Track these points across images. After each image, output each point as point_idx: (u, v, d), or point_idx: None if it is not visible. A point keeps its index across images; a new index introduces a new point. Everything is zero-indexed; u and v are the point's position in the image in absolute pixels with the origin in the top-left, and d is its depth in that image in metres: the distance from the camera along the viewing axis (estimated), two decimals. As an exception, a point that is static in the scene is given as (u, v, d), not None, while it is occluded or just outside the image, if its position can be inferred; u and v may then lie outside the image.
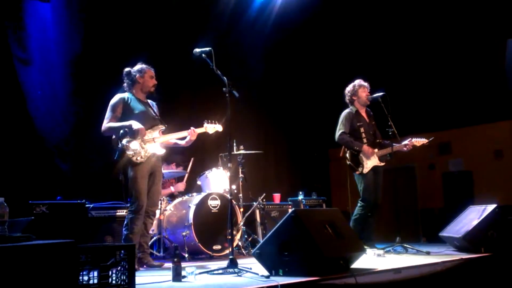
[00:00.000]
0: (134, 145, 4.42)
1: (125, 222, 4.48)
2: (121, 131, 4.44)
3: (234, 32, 7.86)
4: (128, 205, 4.55)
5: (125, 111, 4.57)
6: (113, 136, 4.53)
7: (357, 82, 5.80)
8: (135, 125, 4.42)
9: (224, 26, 7.67)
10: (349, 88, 5.83)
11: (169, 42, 7.01)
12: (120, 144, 4.41)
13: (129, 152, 4.38)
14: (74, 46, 6.17)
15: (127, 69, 4.73)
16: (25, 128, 5.55)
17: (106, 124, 4.52)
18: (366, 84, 5.79)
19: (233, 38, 7.83)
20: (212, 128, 5.00)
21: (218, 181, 5.97)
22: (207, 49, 4.29)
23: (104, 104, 4.66)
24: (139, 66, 4.75)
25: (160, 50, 6.78)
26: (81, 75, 6.22)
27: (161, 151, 4.66)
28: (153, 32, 6.86)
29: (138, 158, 4.42)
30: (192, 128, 4.83)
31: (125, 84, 4.74)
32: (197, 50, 4.34)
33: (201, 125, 4.95)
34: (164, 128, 4.73)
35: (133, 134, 4.42)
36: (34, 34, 5.77)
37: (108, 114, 4.56)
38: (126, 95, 4.67)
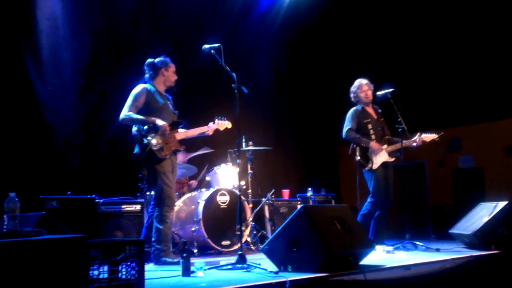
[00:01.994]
0: (160, 141, 4.41)
1: (159, 218, 4.42)
2: (145, 127, 4.41)
3: (242, 28, 7.85)
4: (140, 199, 4.52)
5: (147, 103, 4.51)
6: (135, 130, 4.47)
7: (357, 82, 5.76)
8: (160, 122, 4.41)
9: (233, 22, 7.66)
10: (352, 88, 5.82)
11: (178, 37, 7.01)
12: (145, 141, 4.37)
13: (155, 148, 4.37)
14: (84, 42, 6.19)
15: (150, 60, 4.67)
16: (35, 124, 5.58)
17: (127, 113, 4.44)
18: (365, 82, 5.73)
19: (242, 35, 7.81)
20: (223, 124, 4.98)
21: (227, 177, 5.98)
22: (216, 45, 4.29)
23: (113, 99, 4.67)
24: (163, 59, 4.68)
25: (169, 45, 6.78)
26: (90, 71, 6.25)
27: (181, 147, 4.67)
28: (163, 28, 6.87)
29: (164, 154, 4.42)
30: (211, 123, 4.84)
31: (147, 75, 4.67)
32: (206, 46, 4.34)
33: (212, 121, 4.92)
34: (182, 124, 4.73)
35: (157, 130, 4.41)
36: (45, 30, 5.80)
37: (129, 102, 4.48)
38: (148, 86, 4.60)
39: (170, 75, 4.69)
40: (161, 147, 4.42)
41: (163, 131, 4.41)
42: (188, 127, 4.85)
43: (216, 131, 4.97)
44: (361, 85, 5.72)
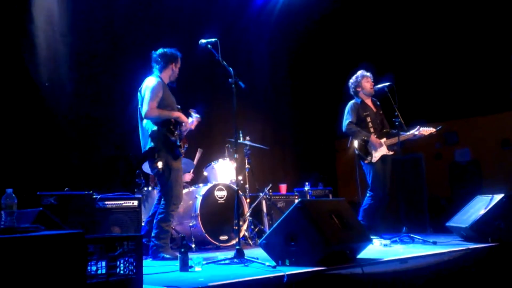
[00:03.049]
0: (178, 137, 4.38)
1: (164, 217, 4.40)
2: (169, 122, 4.36)
3: (239, 23, 7.82)
4: (138, 195, 4.45)
5: (164, 98, 4.42)
6: (153, 125, 4.36)
7: (360, 73, 5.77)
8: (183, 117, 4.39)
9: (230, 17, 7.63)
10: (352, 79, 5.81)
11: (175, 32, 6.98)
12: (171, 137, 4.30)
13: (178, 143, 4.34)
14: (80, 37, 6.16)
15: (162, 50, 4.54)
16: (32, 120, 5.56)
17: (155, 108, 4.31)
18: (369, 74, 5.75)
19: (239, 30, 7.79)
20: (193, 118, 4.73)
21: (224, 172, 5.98)
22: (213, 39, 4.28)
23: (111, 96, 4.64)
24: (175, 52, 4.59)
25: (166, 41, 6.75)
26: (87, 66, 6.22)
27: (186, 144, 4.63)
28: (158, 23, 6.84)
29: (181, 150, 4.41)
30: (194, 117, 4.68)
31: (156, 66, 4.55)
32: (203, 40, 4.33)
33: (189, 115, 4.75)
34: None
35: (180, 126, 4.39)
36: (41, 25, 5.76)
37: (152, 97, 4.32)
38: (160, 79, 4.50)
39: (176, 71, 4.64)
40: (180, 143, 4.40)
41: (186, 126, 4.40)
42: None
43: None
44: (365, 77, 5.71)
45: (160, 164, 4.32)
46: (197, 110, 4.78)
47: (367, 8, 8.56)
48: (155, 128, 4.36)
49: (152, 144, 4.37)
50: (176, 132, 4.37)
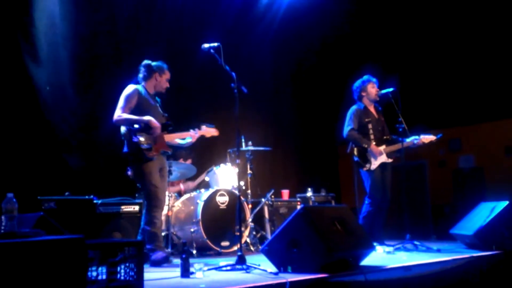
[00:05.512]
0: (149, 141, 4.41)
1: (147, 219, 4.44)
2: (137, 125, 4.40)
3: (242, 27, 7.82)
4: (138, 200, 4.52)
5: (139, 104, 4.52)
6: (123, 129, 4.47)
7: (366, 77, 5.74)
8: (153, 122, 4.41)
9: (232, 21, 7.62)
10: (357, 83, 5.77)
11: (177, 36, 6.98)
12: (135, 139, 4.36)
13: (144, 147, 4.37)
14: (82, 41, 6.16)
15: (147, 62, 4.67)
16: (33, 124, 5.55)
17: (120, 113, 4.43)
18: (374, 80, 5.72)
19: (241, 34, 7.78)
20: (208, 132, 4.97)
21: (226, 177, 5.95)
22: (216, 44, 4.28)
23: (112, 99, 4.65)
24: (160, 64, 4.71)
25: (168, 44, 6.76)
26: (89, 70, 6.22)
27: (169, 149, 4.67)
28: (162, 26, 6.84)
29: (152, 154, 4.41)
30: (197, 129, 4.87)
31: (140, 75, 4.68)
32: (205, 45, 4.33)
33: (198, 127, 4.93)
34: (172, 126, 4.71)
35: (149, 130, 4.41)
36: (42, 29, 5.76)
37: (122, 104, 4.47)
38: (139, 87, 4.62)
39: (162, 82, 4.72)
40: (150, 147, 4.41)
41: (155, 131, 4.41)
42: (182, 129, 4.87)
43: (201, 137, 4.97)
44: (371, 82, 5.68)
45: (131, 169, 4.50)
46: (212, 124, 4.95)
47: (372, 11, 8.53)
48: (126, 132, 4.45)
49: (127, 149, 4.45)
50: (140, 136, 4.36)
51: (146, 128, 4.42)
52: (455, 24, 7.99)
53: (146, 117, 4.43)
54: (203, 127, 4.93)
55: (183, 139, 4.92)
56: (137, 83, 4.68)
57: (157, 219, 4.48)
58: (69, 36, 6.02)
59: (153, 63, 4.69)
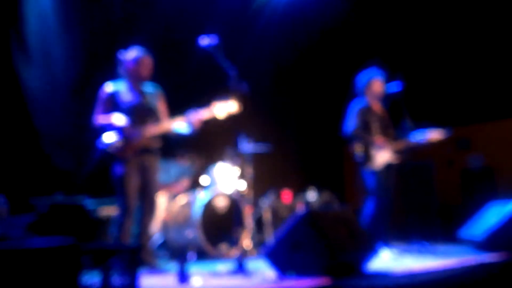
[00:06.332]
0: (116, 140, 4.13)
1: (117, 227, 4.21)
2: (106, 126, 4.20)
3: (242, 22, 7.73)
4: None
5: (115, 103, 4.23)
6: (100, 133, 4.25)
7: (372, 73, 5.59)
8: (117, 122, 4.11)
9: (232, 16, 7.54)
10: (363, 78, 5.62)
11: (175, 32, 6.91)
12: (107, 144, 4.13)
13: (110, 146, 4.11)
14: (75, 40, 6.08)
15: (118, 55, 4.36)
16: (25, 125, 5.48)
17: (95, 117, 4.24)
18: (381, 76, 5.58)
19: (241, 29, 7.69)
20: (223, 109, 4.20)
21: (225, 177, 5.85)
22: (215, 40, 4.17)
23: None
24: (134, 54, 4.34)
25: (165, 40, 6.67)
26: (81, 70, 6.14)
27: (155, 145, 4.31)
28: (158, 23, 6.76)
29: (123, 154, 4.13)
30: (194, 112, 4.32)
31: (118, 69, 4.42)
32: (203, 41, 4.23)
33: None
34: (157, 121, 4.33)
35: (114, 129, 4.15)
36: (34, 28, 5.69)
37: (96, 107, 4.25)
38: (117, 85, 4.31)
39: (140, 71, 4.31)
40: (119, 147, 4.11)
41: (124, 130, 4.11)
42: None
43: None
44: (378, 78, 5.52)
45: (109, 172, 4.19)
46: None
47: (377, 7, 8.42)
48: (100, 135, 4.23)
49: (96, 151, 4.26)
50: (105, 137, 4.15)
51: (112, 128, 4.16)
52: (467, 20, 7.87)
53: (110, 118, 4.16)
54: (215, 104, 4.21)
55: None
56: (118, 78, 4.40)
57: (124, 227, 4.13)
58: (61, 34, 5.95)
59: (126, 54, 4.37)
